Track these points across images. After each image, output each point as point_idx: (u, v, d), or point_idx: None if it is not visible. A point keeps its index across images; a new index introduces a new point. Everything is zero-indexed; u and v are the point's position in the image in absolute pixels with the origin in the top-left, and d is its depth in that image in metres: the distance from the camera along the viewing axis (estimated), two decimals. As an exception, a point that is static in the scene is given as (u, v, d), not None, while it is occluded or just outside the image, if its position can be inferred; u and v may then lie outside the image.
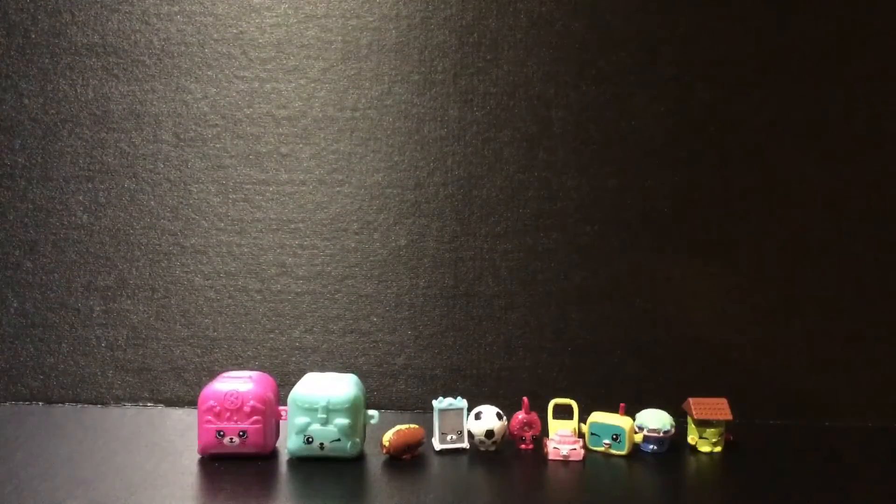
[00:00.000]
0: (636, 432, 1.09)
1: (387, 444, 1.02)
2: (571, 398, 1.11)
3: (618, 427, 1.07)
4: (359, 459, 1.03)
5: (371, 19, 1.27)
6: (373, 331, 1.28)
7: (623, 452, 1.07)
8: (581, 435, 1.09)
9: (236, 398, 1.01)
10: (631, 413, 1.10)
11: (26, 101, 1.26)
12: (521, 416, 1.10)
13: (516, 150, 1.27)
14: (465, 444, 1.08)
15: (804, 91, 1.27)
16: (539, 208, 1.28)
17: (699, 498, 0.99)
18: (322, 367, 1.26)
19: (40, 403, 1.26)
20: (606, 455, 1.08)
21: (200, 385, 1.17)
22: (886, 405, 1.27)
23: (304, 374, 1.09)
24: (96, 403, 1.27)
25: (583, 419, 1.10)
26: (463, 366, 1.28)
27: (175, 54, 1.27)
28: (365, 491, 0.95)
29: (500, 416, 1.08)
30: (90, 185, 1.27)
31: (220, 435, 1.01)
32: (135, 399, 1.27)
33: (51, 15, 1.26)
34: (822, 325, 1.27)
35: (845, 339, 1.27)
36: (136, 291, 1.27)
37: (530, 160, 1.27)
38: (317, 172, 1.28)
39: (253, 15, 1.27)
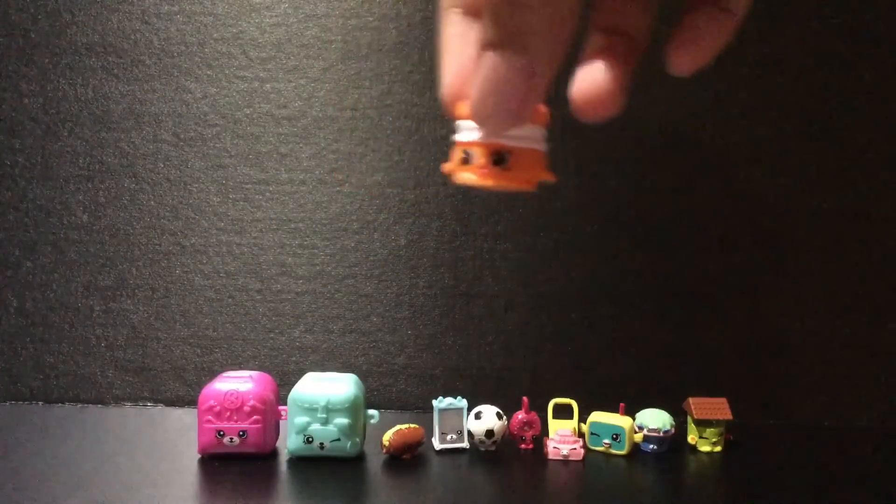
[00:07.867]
0: (636, 432, 1.09)
1: (387, 443, 1.02)
2: (571, 398, 1.11)
3: (618, 427, 1.07)
4: (359, 459, 1.03)
5: (371, 19, 1.27)
6: (373, 331, 1.28)
7: (623, 452, 1.07)
8: (581, 435, 1.09)
9: (236, 398, 1.01)
10: (631, 413, 1.10)
11: (26, 101, 1.26)
12: (521, 416, 1.10)
13: (516, 150, 1.27)
14: (465, 444, 1.08)
15: (804, 90, 1.27)
16: (539, 208, 1.28)
17: (699, 498, 0.99)
18: (322, 367, 1.26)
19: (40, 403, 1.26)
20: (606, 455, 1.08)
21: (200, 385, 1.17)
22: (886, 405, 1.27)
23: (304, 373, 1.09)
24: (96, 403, 1.27)
25: (583, 419, 1.10)
26: (463, 366, 1.28)
27: (175, 54, 1.27)
28: (365, 491, 0.95)
29: (500, 416, 1.08)
30: (90, 185, 1.27)
31: (220, 435, 1.01)
32: (135, 399, 1.27)
33: (51, 15, 1.26)
34: (822, 325, 1.27)
35: (845, 339, 1.27)
36: (136, 291, 1.27)
37: (530, 160, 1.27)
38: (317, 172, 1.28)
39: (253, 15, 1.27)
